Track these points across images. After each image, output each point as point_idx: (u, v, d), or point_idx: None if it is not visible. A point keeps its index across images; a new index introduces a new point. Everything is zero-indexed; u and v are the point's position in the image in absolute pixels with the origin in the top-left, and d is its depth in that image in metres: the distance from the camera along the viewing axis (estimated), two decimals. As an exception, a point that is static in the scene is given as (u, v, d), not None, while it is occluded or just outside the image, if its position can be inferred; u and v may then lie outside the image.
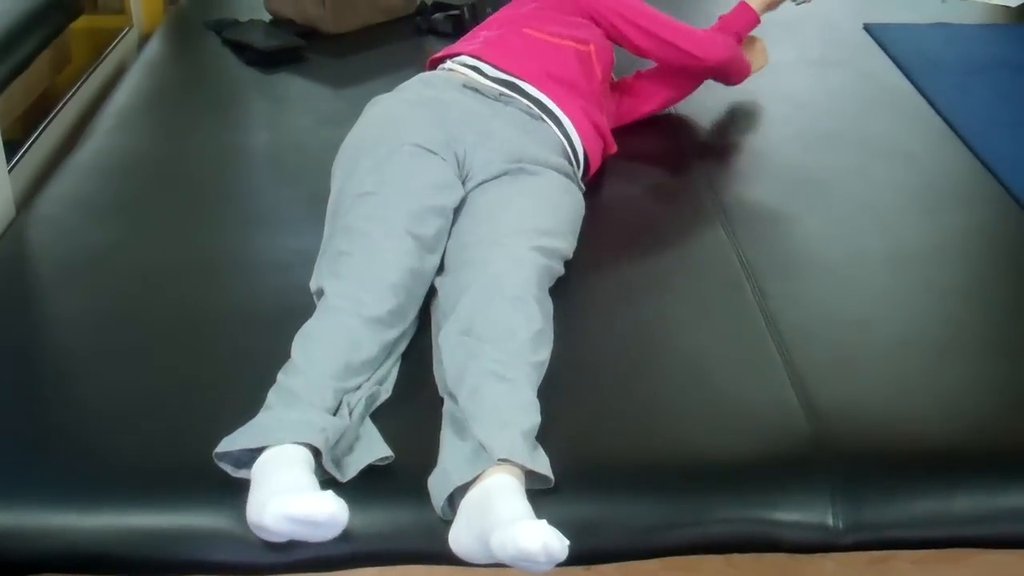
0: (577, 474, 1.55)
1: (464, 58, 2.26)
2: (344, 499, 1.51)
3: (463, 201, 1.96)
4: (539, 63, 2.23)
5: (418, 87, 2.18)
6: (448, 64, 2.28)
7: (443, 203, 1.89)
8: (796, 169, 2.43)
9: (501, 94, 2.16)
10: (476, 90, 2.16)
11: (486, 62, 2.23)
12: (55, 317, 1.91)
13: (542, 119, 2.16)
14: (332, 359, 1.62)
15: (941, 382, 1.76)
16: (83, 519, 1.51)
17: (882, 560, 1.59)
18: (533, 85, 2.19)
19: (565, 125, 2.17)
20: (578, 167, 2.18)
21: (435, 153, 1.95)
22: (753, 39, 2.58)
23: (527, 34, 2.29)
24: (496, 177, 1.99)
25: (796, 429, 1.65)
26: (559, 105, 2.18)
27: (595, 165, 2.24)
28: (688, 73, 2.48)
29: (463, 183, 1.98)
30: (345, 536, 1.50)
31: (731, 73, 2.52)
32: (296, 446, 1.47)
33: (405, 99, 2.12)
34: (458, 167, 1.98)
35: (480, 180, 1.99)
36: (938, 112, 2.68)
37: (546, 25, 2.31)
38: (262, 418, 1.53)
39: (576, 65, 2.26)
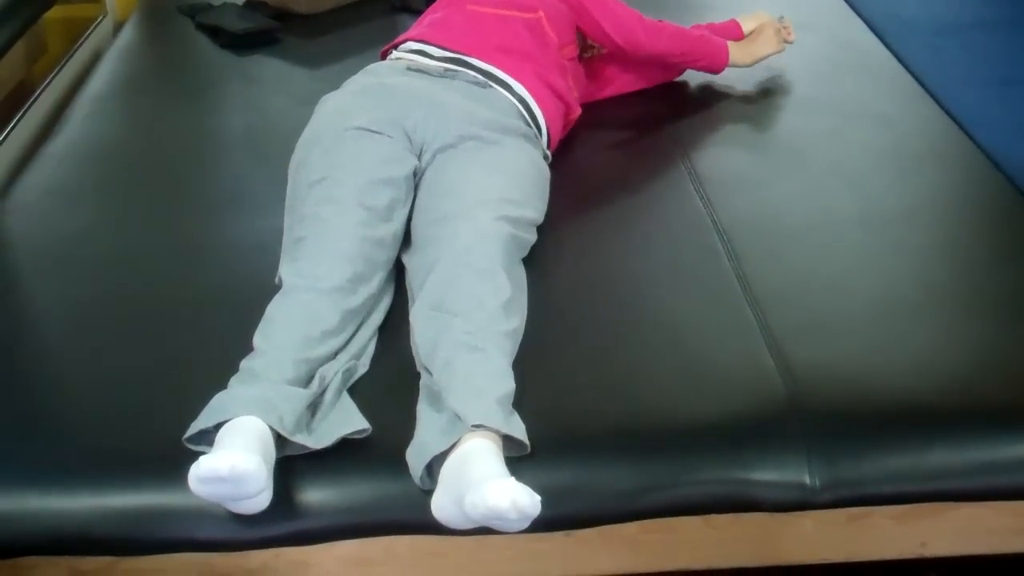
0: (554, 440, 1.56)
1: (409, 43, 2.28)
2: (323, 472, 1.53)
3: (422, 173, 1.97)
4: (485, 37, 2.23)
5: (361, 78, 2.19)
6: (394, 53, 2.29)
7: (392, 174, 1.90)
8: (770, 133, 2.44)
9: (447, 70, 2.17)
10: (421, 71, 2.17)
11: (431, 44, 2.24)
12: (34, 304, 1.92)
13: (491, 87, 2.16)
14: (290, 335, 1.63)
15: (915, 340, 1.77)
16: (64, 501, 1.52)
17: (861, 517, 1.61)
18: (480, 59, 2.19)
19: (517, 90, 2.17)
20: (539, 131, 2.18)
21: (380, 132, 1.97)
22: (764, 26, 2.56)
23: (471, 10, 2.30)
24: (453, 146, 1.99)
25: (771, 390, 1.66)
26: (509, 73, 2.18)
27: (556, 129, 2.23)
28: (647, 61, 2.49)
29: (419, 156, 2.00)
30: (325, 509, 1.52)
31: (687, 64, 2.52)
32: (250, 418, 1.47)
33: (350, 91, 2.14)
34: (408, 141, 2.00)
35: (436, 148, 2.00)
36: (911, 73, 2.68)
37: None
38: (217, 398, 1.53)
39: (526, 34, 2.26)
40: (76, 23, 3.27)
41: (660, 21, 2.43)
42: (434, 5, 2.43)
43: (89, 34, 3.16)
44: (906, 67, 2.71)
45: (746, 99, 2.57)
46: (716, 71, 2.54)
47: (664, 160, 2.31)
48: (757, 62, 2.56)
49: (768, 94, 2.58)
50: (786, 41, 2.60)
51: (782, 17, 2.62)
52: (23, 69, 3.02)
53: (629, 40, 2.37)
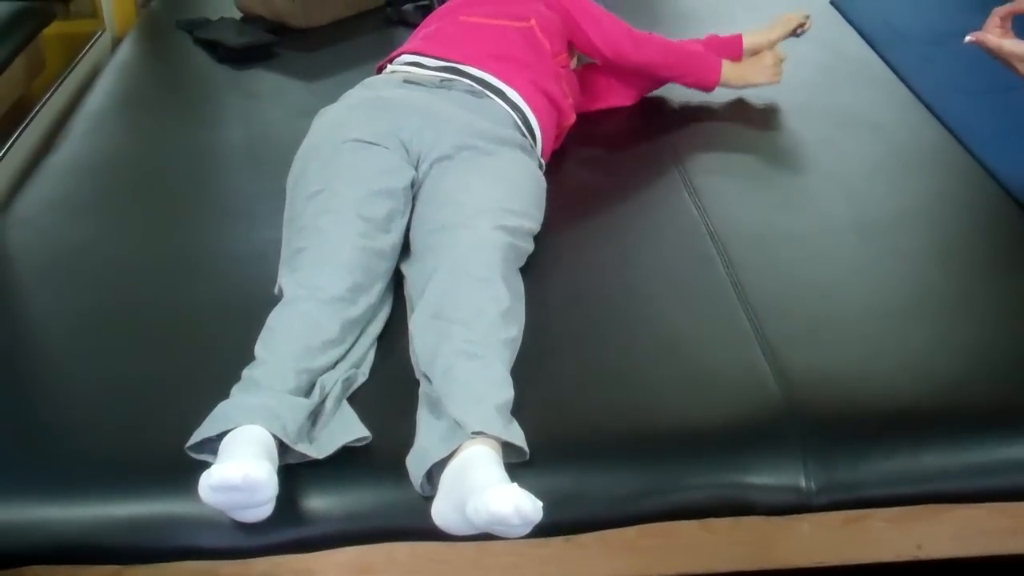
0: (553, 446, 1.58)
1: (404, 57, 2.30)
2: (324, 480, 1.54)
3: (420, 184, 1.99)
4: (478, 46, 2.26)
5: (358, 91, 2.21)
6: (389, 67, 2.31)
7: (390, 185, 1.92)
8: (764, 142, 2.46)
9: (443, 80, 2.19)
10: (416, 83, 2.19)
11: (425, 55, 2.27)
12: (36, 316, 1.93)
13: (487, 96, 2.18)
14: (291, 344, 1.64)
15: (909, 344, 1.79)
16: (66, 511, 1.53)
17: (857, 519, 1.62)
18: (474, 66, 2.22)
19: (512, 98, 2.19)
20: (533, 139, 2.20)
21: (377, 144, 1.98)
22: (766, 54, 2.57)
23: (463, 21, 2.33)
24: (449, 156, 2.01)
25: (767, 395, 1.67)
26: (503, 80, 2.20)
27: (550, 136, 2.25)
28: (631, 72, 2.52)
29: (416, 166, 2.01)
30: (326, 517, 1.53)
31: (675, 79, 2.54)
32: (254, 427, 1.48)
33: (347, 104, 2.15)
34: (406, 152, 2.01)
35: (433, 159, 2.01)
36: (904, 82, 2.71)
37: (480, 8, 2.35)
38: (221, 407, 1.54)
39: (519, 42, 2.29)
40: (75, 39, 3.29)
41: (649, 34, 2.46)
42: (427, 19, 2.47)
43: (88, 50, 3.18)
44: (899, 76, 2.74)
45: (740, 108, 2.59)
46: (706, 89, 2.55)
47: (659, 169, 2.33)
48: (747, 87, 2.58)
49: (762, 103, 2.60)
50: (799, 30, 2.63)
51: (807, 18, 2.65)
52: (23, 85, 3.04)
53: (616, 51, 2.41)
